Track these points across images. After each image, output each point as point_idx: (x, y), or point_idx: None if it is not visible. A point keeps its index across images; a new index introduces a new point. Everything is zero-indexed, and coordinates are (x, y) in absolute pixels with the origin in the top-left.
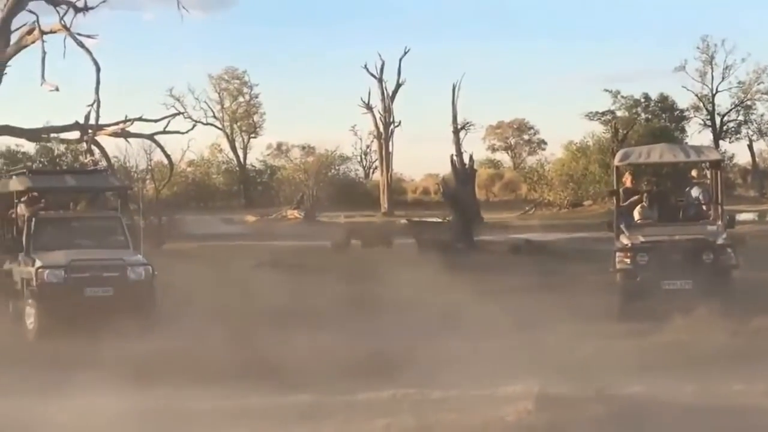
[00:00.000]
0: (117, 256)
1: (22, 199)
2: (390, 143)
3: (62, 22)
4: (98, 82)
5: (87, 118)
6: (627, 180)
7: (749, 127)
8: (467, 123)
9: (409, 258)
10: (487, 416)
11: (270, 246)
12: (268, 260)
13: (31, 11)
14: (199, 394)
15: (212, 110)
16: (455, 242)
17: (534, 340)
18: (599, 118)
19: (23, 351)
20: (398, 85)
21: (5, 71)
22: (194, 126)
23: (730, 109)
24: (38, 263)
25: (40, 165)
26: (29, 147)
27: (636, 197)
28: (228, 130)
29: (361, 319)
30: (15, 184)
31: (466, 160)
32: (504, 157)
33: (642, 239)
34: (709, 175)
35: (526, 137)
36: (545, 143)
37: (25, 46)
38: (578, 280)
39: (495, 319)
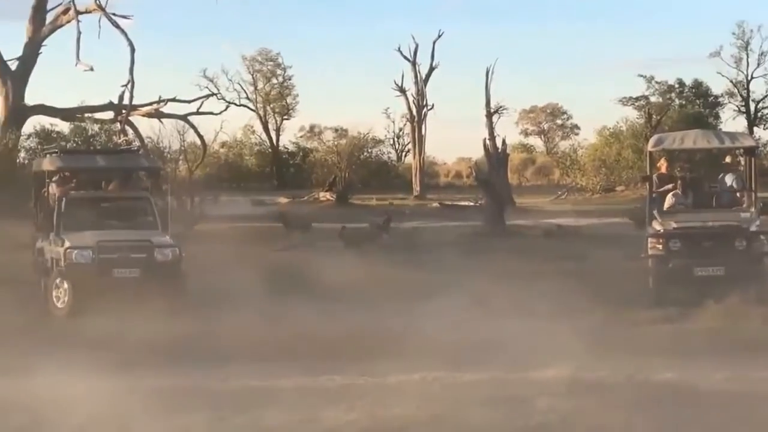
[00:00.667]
0: (145, 237)
1: (54, 179)
2: (423, 126)
3: (97, 2)
4: (132, 63)
5: (121, 98)
6: (662, 166)
7: None
8: (500, 107)
9: (444, 240)
10: (517, 400)
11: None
12: (302, 242)
13: None
14: (228, 374)
15: (245, 92)
16: (487, 226)
17: (566, 325)
18: (633, 104)
19: (54, 330)
20: (432, 69)
21: (41, 51)
22: (227, 107)
23: (765, 96)
24: (67, 243)
25: (74, 145)
26: (63, 126)
27: (670, 184)
28: (261, 112)
29: (393, 301)
30: (46, 164)
31: (499, 144)
32: (537, 142)
33: (674, 225)
34: (743, 162)
35: (559, 122)
36: (578, 128)
37: (61, 26)
38: (610, 266)
39: (526, 303)
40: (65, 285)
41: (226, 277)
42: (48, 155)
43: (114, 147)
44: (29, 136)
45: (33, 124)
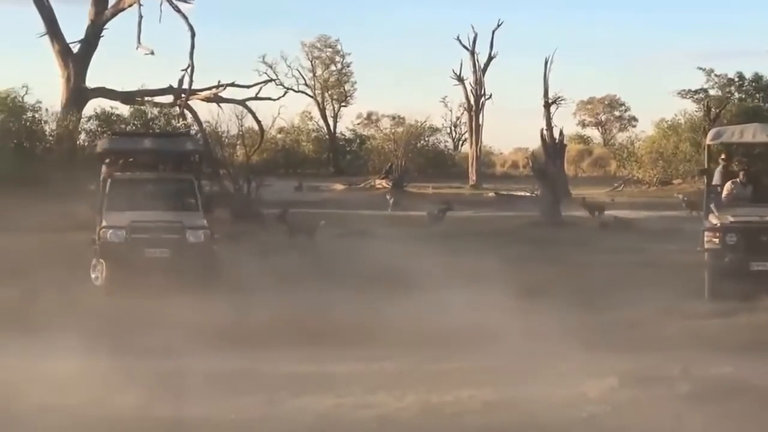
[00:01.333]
0: (179, 218)
1: (106, 161)
2: (480, 116)
3: None
4: (193, 47)
5: (180, 82)
6: (723, 160)
7: None
8: (558, 97)
9: (498, 229)
10: (570, 391)
11: (359, 215)
12: (357, 229)
13: None
14: (280, 359)
15: (304, 78)
16: (542, 217)
17: (620, 317)
18: (691, 96)
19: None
20: (490, 58)
21: (102, 34)
22: (285, 93)
23: None
24: (103, 223)
25: (133, 128)
26: (123, 110)
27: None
28: (319, 98)
29: (444, 289)
30: (98, 146)
31: (556, 134)
32: (594, 133)
33: (731, 219)
34: None
35: (617, 113)
36: (636, 120)
37: (122, 10)
38: (665, 258)
39: (581, 294)
40: (102, 263)
41: (273, 261)
42: (104, 138)
43: (170, 131)
44: (89, 118)
45: (93, 106)
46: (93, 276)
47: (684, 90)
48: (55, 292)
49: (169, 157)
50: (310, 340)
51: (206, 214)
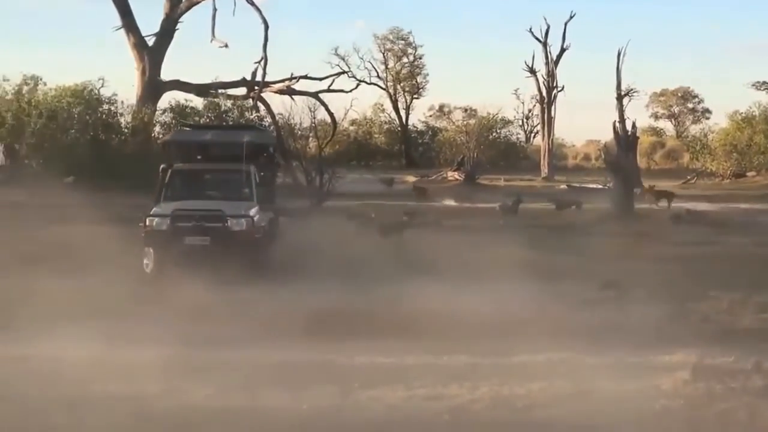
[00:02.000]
0: (222, 207)
1: (171, 152)
2: (552, 108)
3: None
4: (266, 39)
5: (254, 74)
6: None
7: None
8: (631, 90)
9: (571, 222)
10: (642, 384)
11: (431, 207)
12: (429, 220)
13: None
14: (352, 349)
15: (376, 70)
16: (615, 209)
17: (693, 310)
18: (766, 88)
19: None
20: (563, 50)
21: (177, 27)
22: (358, 85)
23: None
24: (151, 212)
25: (207, 120)
26: (198, 102)
27: None
28: (391, 91)
29: (517, 281)
30: (161, 139)
31: (629, 127)
32: (667, 125)
33: None
34: None
35: (690, 105)
36: (709, 112)
37: (197, 3)
38: (739, 251)
39: (653, 287)
40: (150, 251)
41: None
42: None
43: (246, 123)
44: (164, 110)
45: (168, 99)
46: (144, 263)
47: (759, 82)
48: (110, 280)
49: (233, 149)
50: (382, 331)
51: (265, 205)
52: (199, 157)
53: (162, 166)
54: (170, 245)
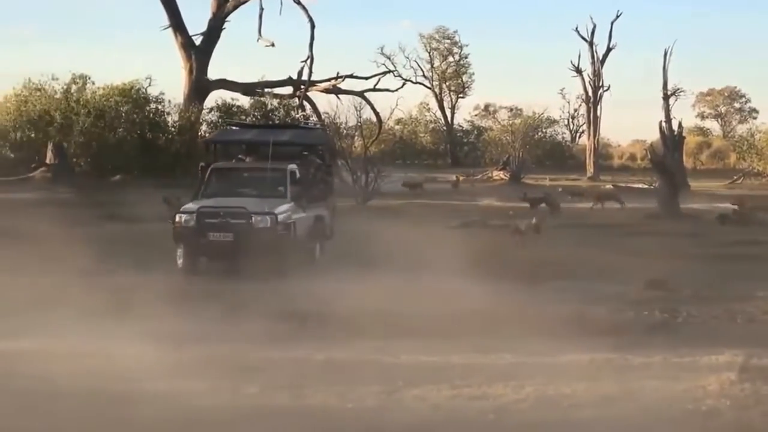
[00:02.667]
0: (248, 204)
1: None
2: (598, 107)
3: None
4: (312, 39)
5: (300, 73)
6: None
7: None
8: (677, 89)
9: (616, 221)
10: (688, 385)
11: (476, 206)
12: (474, 220)
13: None
14: (397, 348)
15: (422, 69)
16: (661, 209)
17: (739, 310)
18: None
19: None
20: (609, 49)
21: (224, 26)
22: (404, 84)
23: None
24: (182, 209)
25: (254, 119)
26: (244, 101)
27: None
28: (437, 90)
29: (562, 280)
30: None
31: (675, 126)
32: (713, 125)
33: None
34: None
35: (737, 105)
36: (756, 112)
37: (244, 2)
38: None
39: (699, 287)
40: (180, 246)
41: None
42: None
43: (292, 122)
44: (211, 109)
45: (215, 98)
46: (178, 259)
47: None
48: (145, 276)
49: (275, 148)
50: (427, 329)
51: (309, 203)
52: (240, 156)
53: (201, 164)
54: (197, 241)
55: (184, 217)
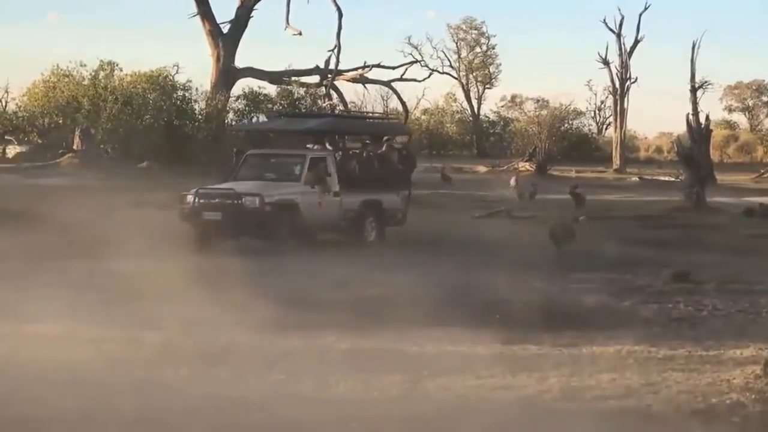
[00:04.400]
0: (239, 186)
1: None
2: (625, 100)
3: None
4: (340, 28)
5: (327, 62)
6: None
7: None
8: (705, 82)
9: (641, 214)
10: (713, 378)
11: (502, 197)
12: (499, 210)
13: None
14: (422, 337)
15: (449, 59)
16: (687, 202)
17: (764, 304)
18: None
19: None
20: (636, 41)
21: (252, 14)
22: (431, 74)
23: None
24: (188, 191)
25: (280, 107)
26: (271, 89)
27: None
28: (463, 80)
29: (583, 272)
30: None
31: (702, 119)
32: (741, 119)
33: None
34: None
35: (764, 99)
36: None
37: None
38: None
39: (723, 280)
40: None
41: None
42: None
43: (319, 110)
44: (237, 97)
45: (242, 86)
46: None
47: None
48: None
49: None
50: (453, 319)
51: (316, 186)
52: (309, 145)
53: (234, 149)
54: (194, 219)
55: (188, 197)
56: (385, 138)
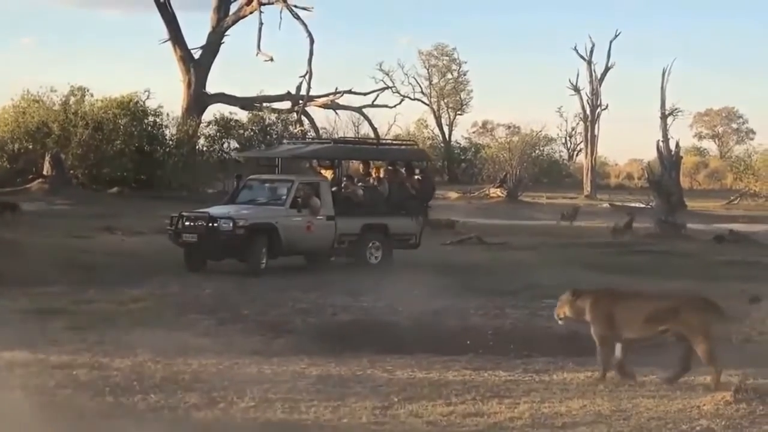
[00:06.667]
0: (214, 210)
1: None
2: (596, 126)
3: None
4: (311, 54)
5: (299, 88)
6: None
7: None
8: (675, 109)
9: (614, 240)
10: (683, 404)
11: (476, 223)
12: (469, 237)
13: None
14: (392, 364)
15: (420, 86)
16: (657, 228)
17: (733, 330)
18: None
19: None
20: (607, 68)
21: (223, 40)
22: (402, 101)
23: None
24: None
25: (251, 133)
26: (242, 115)
27: None
28: (435, 106)
29: (547, 299)
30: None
31: (672, 146)
32: (710, 145)
33: None
34: None
35: (734, 126)
36: (754, 132)
37: (243, 17)
38: None
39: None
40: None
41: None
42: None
43: (290, 137)
44: (209, 123)
45: (213, 112)
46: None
47: None
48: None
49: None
50: (423, 346)
51: (312, 210)
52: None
53: (235, 175)
54: (176, 241)
55: (173, 220)
56: (389, 163)
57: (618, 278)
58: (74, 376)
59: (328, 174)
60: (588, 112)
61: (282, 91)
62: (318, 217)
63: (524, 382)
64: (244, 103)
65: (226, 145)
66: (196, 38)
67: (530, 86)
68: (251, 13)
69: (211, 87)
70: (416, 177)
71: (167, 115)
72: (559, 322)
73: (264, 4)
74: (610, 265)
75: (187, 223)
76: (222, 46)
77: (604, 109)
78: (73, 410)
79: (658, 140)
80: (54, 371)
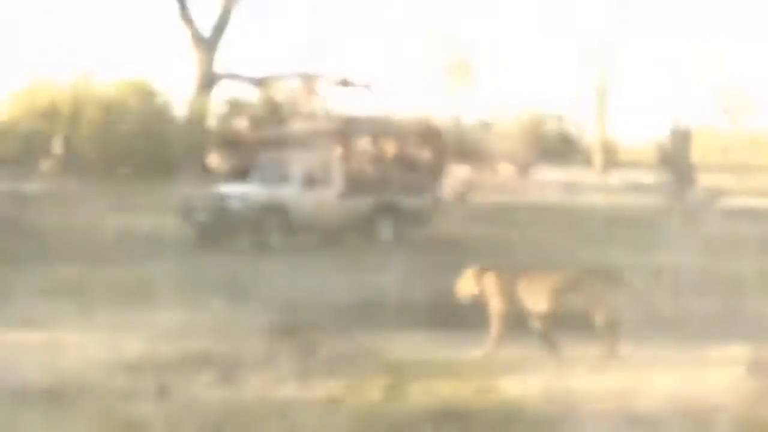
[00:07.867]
0: (226, 189)
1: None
2: (608, 103)
3: None
4: (322, 32)
5: (309, 67)
6: None
7: None
8: (688, 85)
9: (623, 217)
10: (695, 380)
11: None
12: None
13: None
14: (402, 340)
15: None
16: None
17: (749, 304)
18: None
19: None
20: (620, 45)
21: (233, 18)
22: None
23: None
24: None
25: (263, 112)
26: (253, 94)
27: None
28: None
29: None
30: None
31: (685, 123)
32: (724, 122)
33: None
34: None
35: (746, 103)
36: None
37: None
38: None
39: (703, 280)
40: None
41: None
42: None
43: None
44: (219, 102)
45: (222, 91)
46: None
47: None
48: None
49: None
50: (435, 322)
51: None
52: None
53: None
54: (188, 219)
55: (186, 199)
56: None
57: (627, 252)
58: (87, 356)
59: (339, 151)
60: (599, 88)
61: (293, 70)
62: (329, 195)
63: (536, 359)
64: (255, 81)
65: (236, 123)
66: (206, 17)
67: (542, 61)
68: None
69: (221, 66)
70: (428, 153)
71: (177, 94)
72: (465, 299)
73: None
74: (617, 239)
75: (200, 202)
76: (231, 24)
77: (617, 85)
78: (86, 391)
79: (671, 117)
80: (67, 350)
